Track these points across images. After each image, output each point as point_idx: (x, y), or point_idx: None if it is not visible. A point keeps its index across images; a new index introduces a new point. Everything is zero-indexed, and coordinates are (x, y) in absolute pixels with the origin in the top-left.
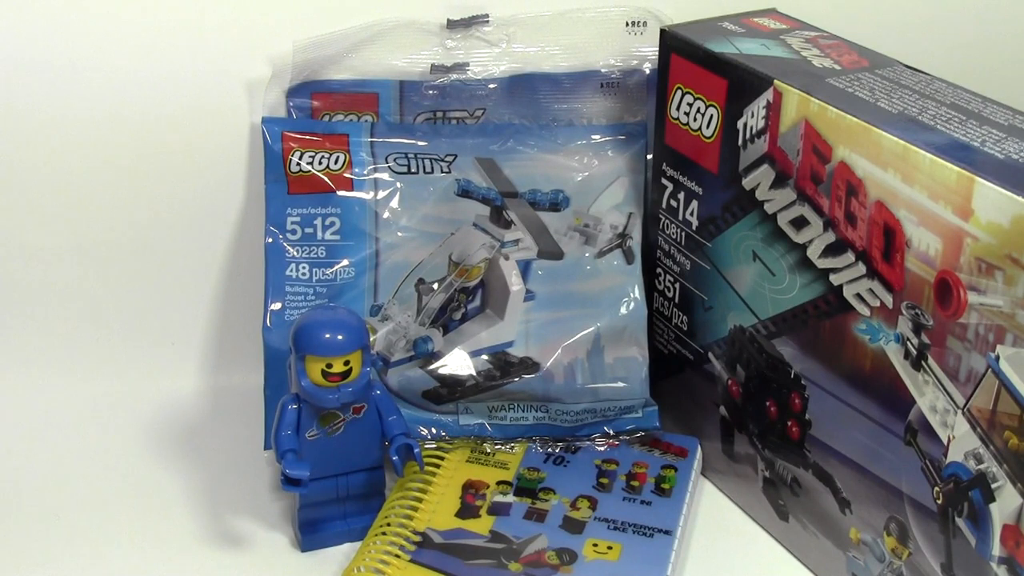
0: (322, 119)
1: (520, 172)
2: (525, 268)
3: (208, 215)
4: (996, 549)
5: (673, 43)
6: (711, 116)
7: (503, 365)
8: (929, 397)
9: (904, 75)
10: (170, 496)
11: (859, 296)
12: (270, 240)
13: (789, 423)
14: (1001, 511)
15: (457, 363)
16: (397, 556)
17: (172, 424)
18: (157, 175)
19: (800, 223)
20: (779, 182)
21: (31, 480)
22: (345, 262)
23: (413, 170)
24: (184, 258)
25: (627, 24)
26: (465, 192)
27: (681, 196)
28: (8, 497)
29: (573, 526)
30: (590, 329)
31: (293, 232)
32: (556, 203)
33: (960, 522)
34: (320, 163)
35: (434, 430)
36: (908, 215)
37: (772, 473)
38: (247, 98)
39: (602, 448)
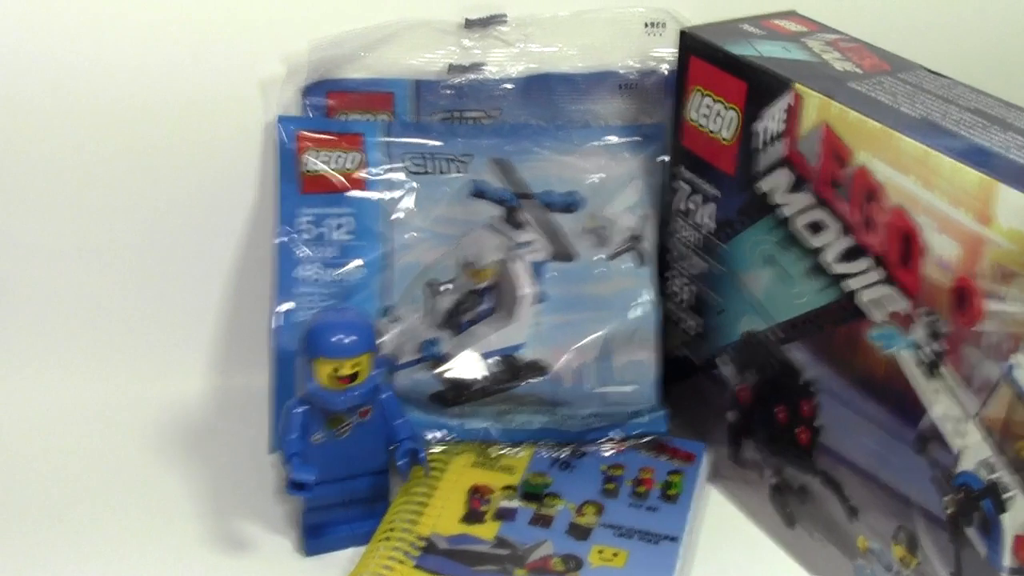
0: (337, 118)
1: (535, 173)
2: (537, 270)
3: (219, 214)
4: (1007, 560)
5: (692, 45)
6: (730, 119)
7: (512, 368)
8: (941, 405)
9: (926, 79)
10: (175, 498)
11: (874, 302)
12: (282, 239)
13: (798, 429)
14: (1013, 521)
15: (465, 366)
16: (401, 561)
17: (178, 426)
18: (169, 173)
19: (816, 227)
20: (797, 186)
21: (36, 481)
22: (357, 263)
23: (429, 170)
24: (194, 257)
25: (645, 25)
26: (480, 193)
27: (697, 199)
28: (13, 497)
29: (579, 532)
30: (600, 332)
31: (305, 232)
32: (570, 204)
33: (970, 532)
34: (335, 163)
35: (440, 434)
36: (927, 220)
37: (780, 480)
38: (262, 96)
39: (608, 453)
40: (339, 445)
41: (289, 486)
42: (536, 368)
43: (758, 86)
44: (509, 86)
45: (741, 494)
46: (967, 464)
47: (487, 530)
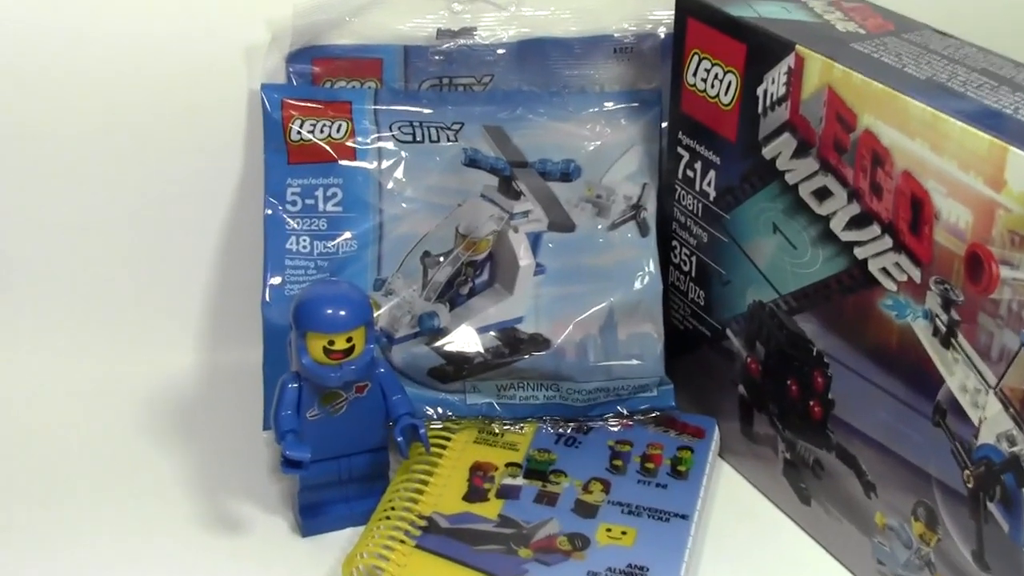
0: (323, 86)
1: (530, 141)
2: (535, 241)
3: (205, 185)
4: None
5: (689, 6)
6: (729, 83)
7: (512, 342)
8: (959, 376)
9: (932, 39)
10: (164, 478)
11: (885, 270)
12: (269, 212)
13: (811, 403)
14: None
15: (464, 340)
16: (402, 541)
17: (167, 403)
18: (152, 144)
19: (823, 194)
20: (801, 151)
21: (21, 461)
22: (347, 234)
23: (418, 139)
24: (180, 230)
25: None
26: (472, 162)
27: (698, 166)
28: None
29: (585, 510)
30: (603, 304)
31: (293, 203)
32: (567, 173)
33: (992, 507)
34: (322, 131)
35: (440, 410)
36: (937, 186)
37: (793, 455)
38: (245, 64)
39: (615, 428)
40: (335, 422)
41: (283, 464)
42: (537, 341)
43: (758, 48)
44: (501, 51)
45: (754, 470)
46: (987, 436)
47: (490, 508)
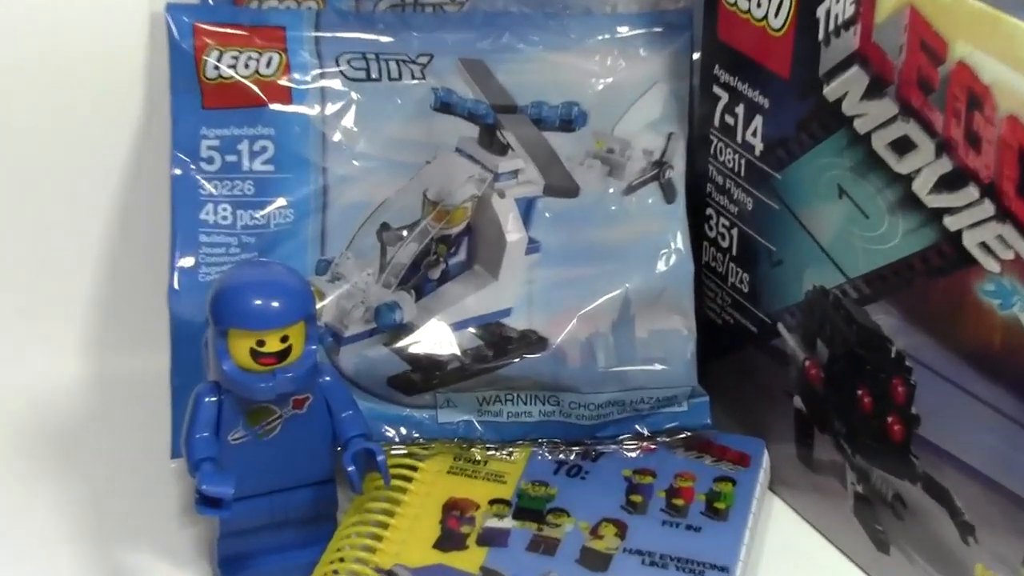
0: (248, 5)
1: (520, 78)
2: (527, 209)
3: (93, 140)
4: None
5: None
6: (781, 0)
7: (498, 341)
8: None
9: None
10: (44, 520)
11: (985, 246)
12: (178, 172)
13: (889, 419)
14: None
15: (435, 338)
16: None
17: (47, 423)
18: (24, 87)
19: (903, 146)
20: (875, 91)
21: None
22: (281, 202)
23: (374, 76)
24: (61, 199)
25: None
26: (445, 106)
27: (740, 110)
28: None
29: (595, 561)
30: (616, 292)
31: (209, 161)
32: (569, 120)
33: None
34: (246, 67)
35: (404, 430)
36: None
37: (867, 488)
38: None
39: (633, 454)
40: (266, 447)
41: (198, 502)
42: (530, 341)
43: None
44: None
45: (815, 507)
46: None
47: (470, 559)
